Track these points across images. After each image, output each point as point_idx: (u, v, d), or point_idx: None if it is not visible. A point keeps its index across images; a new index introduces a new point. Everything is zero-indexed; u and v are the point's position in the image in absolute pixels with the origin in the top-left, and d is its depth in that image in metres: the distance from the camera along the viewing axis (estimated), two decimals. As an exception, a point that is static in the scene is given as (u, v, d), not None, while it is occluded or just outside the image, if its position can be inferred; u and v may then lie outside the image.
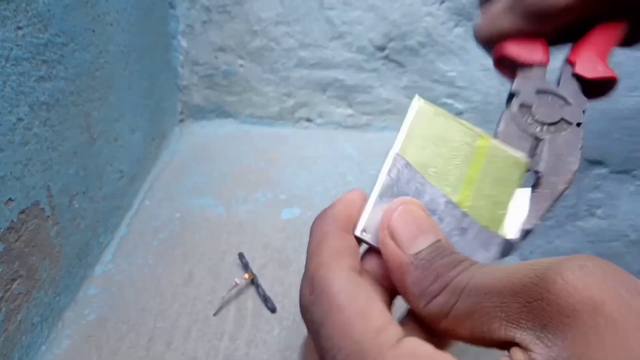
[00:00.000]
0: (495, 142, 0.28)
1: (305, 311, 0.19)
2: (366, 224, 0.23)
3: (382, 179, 0.24)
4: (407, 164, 0.25)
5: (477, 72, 0.77)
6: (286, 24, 0.75)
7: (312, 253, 0.22)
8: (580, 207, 0.86)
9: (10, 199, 0.33)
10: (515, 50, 0.32)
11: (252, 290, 0.45)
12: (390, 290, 0.22)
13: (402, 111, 0.82)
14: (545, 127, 0.30)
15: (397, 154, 0.25)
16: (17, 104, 0.33)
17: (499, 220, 0.26)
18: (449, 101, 0.79)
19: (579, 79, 0.32)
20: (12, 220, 0.33)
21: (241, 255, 0.49)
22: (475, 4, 0.36)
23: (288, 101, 0.81)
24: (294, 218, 0.57)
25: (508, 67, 0.34)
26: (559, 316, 0.14)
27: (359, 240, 0.23)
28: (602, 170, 0.82)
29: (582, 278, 0.14)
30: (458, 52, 0.76)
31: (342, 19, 0.74)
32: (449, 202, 0.25)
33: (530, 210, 0.26)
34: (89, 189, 0.46)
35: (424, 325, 0.20)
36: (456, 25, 0.74)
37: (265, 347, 0.40)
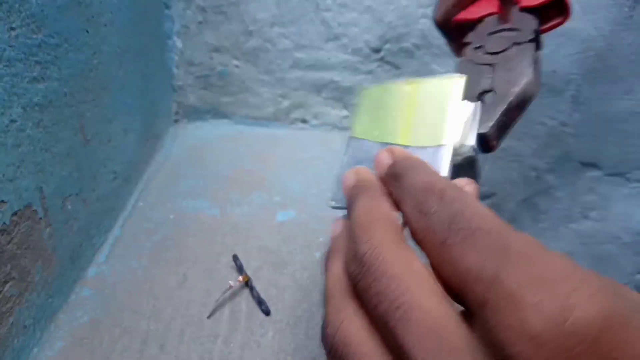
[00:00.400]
0: (426, 79, 0.28)
1: (438, 203, 0.19)
2: (334, 197, 0.29)
3: (342, 160, 0.29)
4: (356, 139, 0.29)
5: (472, 75, 0.77)
6: (282, 25, 0.75)
7: None
8: (574, 210, 0.87)
9: (2, 201, 0.33)
10: (464, 14, 0.35)
11: (246, 293, 0.45)
12: None
13: (397, 113, 0.82)
14: (499, 55, 0.30)
15: (349, 136, 0.30)
16: (10, 105, 0.33)
17: (440, 133, 0.26)
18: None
19: (528, 10, 0.33)
20: (4, 223, 0.33)
21: (235, 258, 0.49)
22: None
23: (283, 102, 0.81)
24: (289, 220, 0.57)
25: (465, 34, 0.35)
26: None
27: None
28: (596, 173, 0.83)
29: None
30: (453, 54, 0.76)
31: (338, 21, 0.74)
32: (385, 145, 0.27)
33: (483, 117, 0.27)
34: (83, 190, 0.45)
35: None
36: (451, 28, 0.74)
37: (260, 350, 0.40)
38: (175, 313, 0.43)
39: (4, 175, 0.33)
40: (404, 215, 0.21)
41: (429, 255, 0.19)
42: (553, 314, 0.13)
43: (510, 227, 0.17)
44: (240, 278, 0.45)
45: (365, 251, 0.19)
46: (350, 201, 0.23)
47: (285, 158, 0.72)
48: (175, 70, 0.78)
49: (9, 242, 0.33)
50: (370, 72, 0.78)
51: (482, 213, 0.18)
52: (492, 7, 0.35)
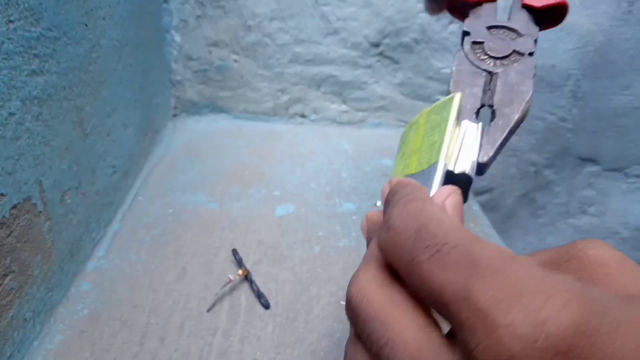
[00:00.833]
0: (434, 104, 0.29)
1: (400, 222, 0.19)
2: None
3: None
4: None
5: (471, 69, 0.77)
6: (281, 20, 0.75)
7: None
8: (573, 205, 0.87)
9: (1, 194, 0.33)
10: None
11: (245, 287, 0.45)
12: None
13: (396, 108, 0.82)
14: (498, 62, 0.30)
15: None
16: (8, 99, 0.33)
17: (435, 154, 0.26)
18: (443, 98, 0.79)
19: (529, 9, 0.33)
20: (3, 216, 0.33)
21: (235, 252, 0.49)
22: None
23: (282, 97, 0.81)
24: (288, 214, 0.57)
25: (460, 11, 0.35)
26: (594, 266, 0.18)
27: None
28: (595, 168, 0.83)
29: (603, 244, 0.18)
30: (453, 49, 0.76)
31: (337, 15, 0.74)
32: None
33: (484, 143, 0.26)
34: (82, 184, 0.45)
35: None
36: (451, 22, 0.74)
37: (259, 343, 0.40)
38: (175, 307, 0.43)
39: (3, 168, 0.33)
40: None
41: (402, 275, 0.19)
42: (526, 333, 0.14)
43: (477, 239, 0.17)
44: (240, 272, 0.45)
45: (351, 295, 0.19)
46: None
47: (284, 152, 0.72)
48: (173, 65, 0.78)
49: (8, 236, 0.33)
50: (369, 66, 0.78)
51: (448, 226, 0.18)
52: None
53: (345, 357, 0.20)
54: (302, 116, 0.83)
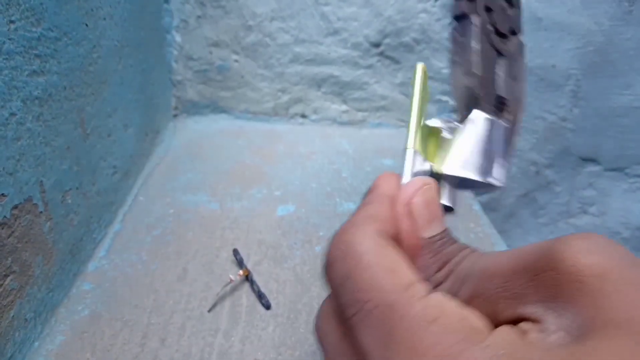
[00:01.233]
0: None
1: (329, 267, 0.19)
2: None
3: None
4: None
5: (471, 69, 0.77)
6: (281, 20, 0.75)
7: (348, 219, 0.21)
8: (573, 205, 0.87)
9: (2, 194, 0.33)
10: None
11: (246, 287, 0.45)
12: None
13: (397, 108, 0.82)
14: (501, 39, 0.25)
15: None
16: (9, 99, 0.33)
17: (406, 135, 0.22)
18: (444, 98, 0.80)
19: None
20: (4, 216, 0.33)
21: (236, 252, 0.49)
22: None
23: (283, 97, 0.81)
24: (289, 214, 0.57)
25: None
26: (569, 283, 0.15)
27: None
28: (595, 168, 0.83)
29: (588, 248, 0.15)
30: (453, 49, 0.76)
31: (338, 15, 0.74)
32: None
33: (507, 150, 0.23)
34: (83, 184, 0.45)
35: None
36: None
37: (260, 343, 0.40)
38: (176, 307, 0.43)
39: (4, 168, 0.33)
40: None
41: (344, 329, 0.18)
42: None
43: (404, 289, 0.16)
44: (241, 272, 0.45)
45: (316, 327, 0.20)
46: None
47: (284, 153, 0.72)
48: (174, 65, 0.78)
49: (9, 236, 0.33)
50: (369, 66, 0.78)
51: (373, 275, 0.17)
52: None
53: None
54: (303, 116, 0.83)
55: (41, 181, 0.38)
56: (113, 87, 0.52)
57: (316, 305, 0.44)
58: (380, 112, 0.82)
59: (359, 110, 0.82)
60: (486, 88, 0.24)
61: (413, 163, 0.21)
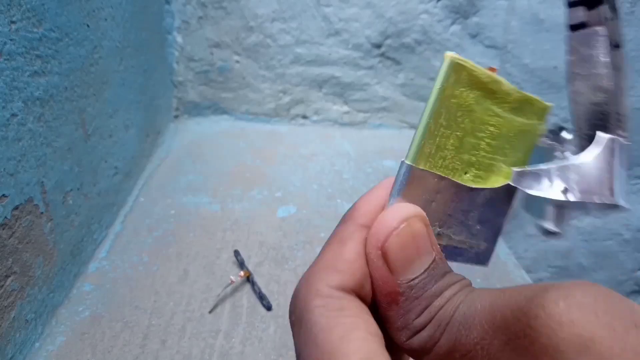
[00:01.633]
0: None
1: (291, 327, 0.18)
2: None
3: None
4: None
5: (473, 71, 0.77)
6: (282, 21, 0.75)
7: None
8: (575, 206, 0.87)
9: (3, 195, 0.32)
10: None
11: (247, 288, 0.45)
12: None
13: (398, 109, 0.82)
14: (611, 51, 0.23)
15: None
16: (11, 99, 0.33)
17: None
18: None
19: None
20: (5, 217, 0.33)
21: (237, 253, 0.49)
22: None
23: (284, 98, 0.81)
24: (290, 216, 0.57)
25: None
26: (543, 356, 0.13)
27: None
28: (597, 169, 0.83)
29: (568, 311, 0.13)
30: (454, 49, 0.76)
31: (339, 16, 0.74)
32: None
33: (624, 167, 0.21)
34: (84, 185, 0.45)
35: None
36: (453, 23, 0.74)
37: (261, 345, 0.40)
38: (177, 308, 0.43)
39: (5, 169, 0.33)
40: None
41: None
42: None
43: None
44: (242, 273, 0.45)
45: None
46: None
47: (285, 154, 0.72)
48: (175, 66, 0.78)
49: (10, 237, 0.33)
50: (371, 67, 0.78)
51: (320, 353, 0.16)
52: None
53: None
54: (304, 117, 0.83)
55: (42, 182, 0.38)
56: (114, 88, 0.52)
57: (317, 306, 0.43)
58: (382, 113, 0.82)
59: (360, 111, 0.82)
60: (615, 105, 0.22)
61: (410, 180, 0.18)
